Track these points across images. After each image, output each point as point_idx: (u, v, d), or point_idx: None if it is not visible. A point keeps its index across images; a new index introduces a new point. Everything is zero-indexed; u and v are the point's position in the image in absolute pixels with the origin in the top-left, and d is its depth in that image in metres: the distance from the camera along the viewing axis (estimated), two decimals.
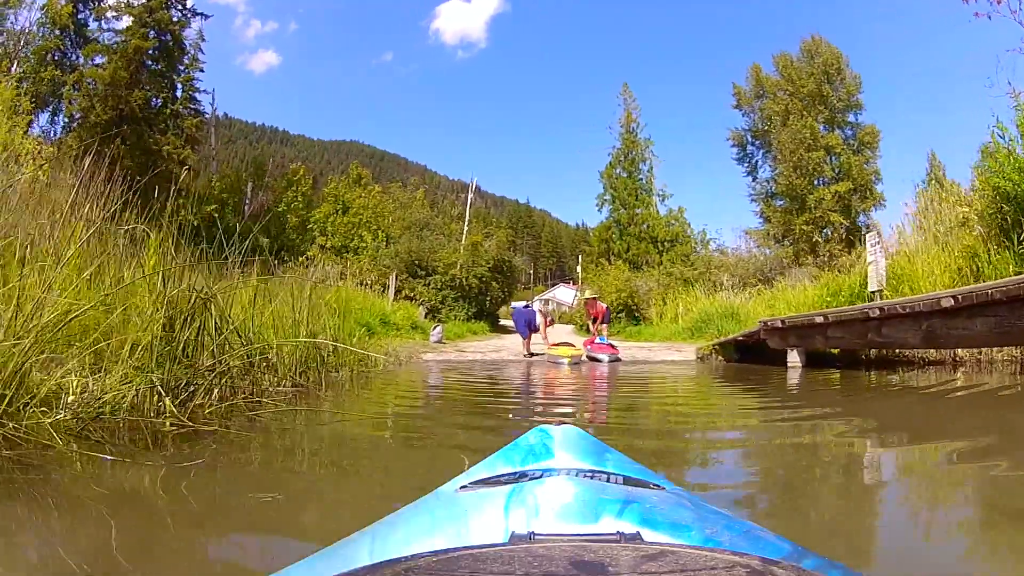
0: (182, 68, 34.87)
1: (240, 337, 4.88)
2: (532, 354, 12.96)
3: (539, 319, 13.68)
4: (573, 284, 44.90)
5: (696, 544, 0.71)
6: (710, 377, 9.69)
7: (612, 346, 12.87)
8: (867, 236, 11.59)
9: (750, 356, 11.66)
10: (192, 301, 4.27)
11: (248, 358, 4.91)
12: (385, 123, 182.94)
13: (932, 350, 9.36)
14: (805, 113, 35.45)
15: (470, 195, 28.15)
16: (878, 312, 7.68)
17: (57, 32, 28.90)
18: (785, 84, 36.38)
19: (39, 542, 1.96)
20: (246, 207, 26.11)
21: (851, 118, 37.02)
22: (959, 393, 6.54)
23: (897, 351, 10.00)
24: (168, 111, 33.16)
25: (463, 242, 25.41)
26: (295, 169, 31.98)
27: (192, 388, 4.03)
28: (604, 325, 14.96)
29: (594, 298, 15.64)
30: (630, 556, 0.59)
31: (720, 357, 12.35)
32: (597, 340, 13.38)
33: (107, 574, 1.69)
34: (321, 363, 6.90)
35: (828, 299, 12.75)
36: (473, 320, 23.46)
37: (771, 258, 26.27)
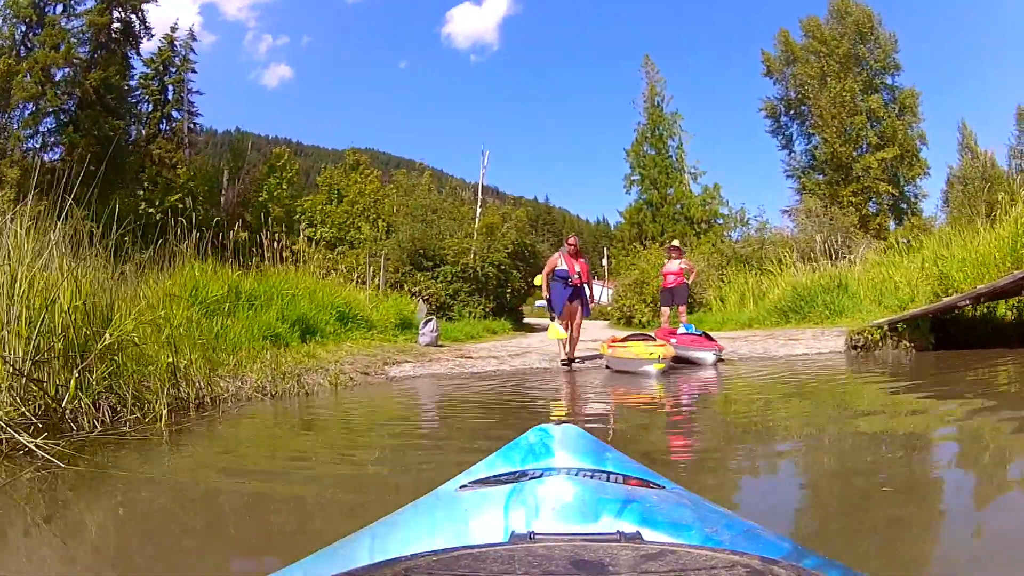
0: (172, 70, 31.23)
1: None
2: (571, 360, 7.74)
3: (556, 257, 7.89)
4: (598, 280, 39.65)
5: (696, 543, 0.66)
6: (969, 395, 4.40)
7: (709, 337, 7.49)
8: None
9: (956, 339, 7.47)
10: None
11: None
12: (401, 130, 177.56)
13: None
14: (842, 75, 30.17)
15: (482, 169, 22.63)
16: None
17: (22, 27, 24.24)
18: (818, 46, 31.06)
19: None
20: (222, 197, 20.95)
21: (888, 80, 32.35)
22: None
23: None
24: (159, 114, 29.84)
25: (476, 225, 19.89)
26: (278, 153, 26.52)
27: None
28: (683, 306, 9.53)
29: (680, 249, 10.14)
30: (630, 555, 0.55)
31: (907, 343, 7.43)
32: (682, 330, 7.94)
33: None
34: None
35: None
36: (492, 317, 18.11)
37: (833, 229, 20.73)
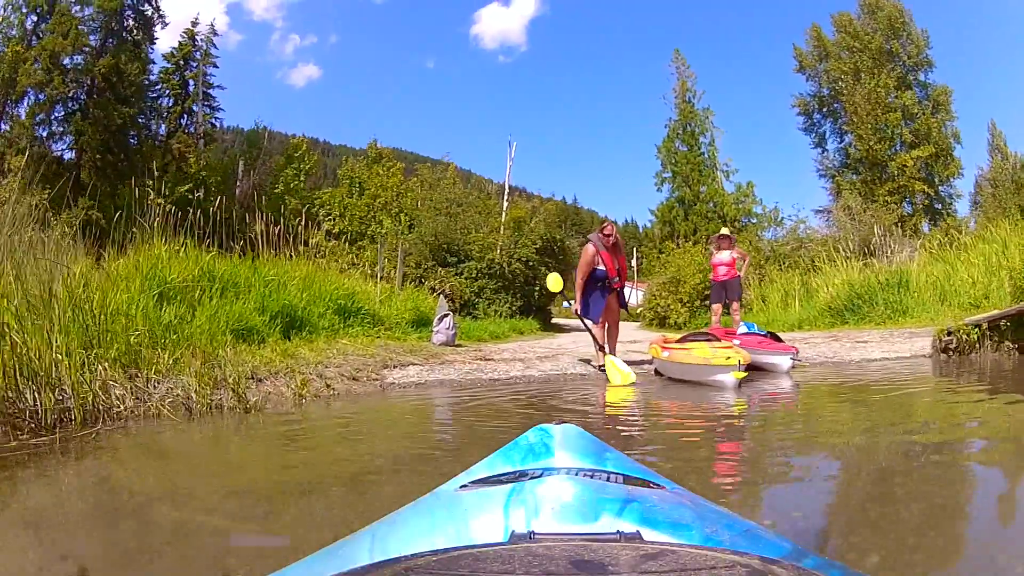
0: (193, 64, 31.10)
1: None
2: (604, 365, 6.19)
3: (592, 252, 6.34)
4: (628, 282, 38.95)
5: (696, 543, 0.64)
6: None
7: (776, 337, 6.51)
8: None
9: None
10: None
11: None
12: (429, 130, 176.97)
13: None
14: (876, 71, 29.13)
15: (509, 161, 21.78)
16: None
17: (33, 17, 23.83)
18: (850, 41, 30.03)
19: None
20: (237, 188, 20.18)
21: (921, 77, 31.47)
22: None
23: None
24: (180, 108, 29.77)
25: (503, 219, 19.02)
26: (296, 143, 25.72)
27: None
28: (736, 302, 8.59)
29: (730, 237, 9.22)
30: (630, 555, 0.55)
31: (1009, 343, 6.46)
32: (743, 329, 6.97)
33: None
34: None
35: None
36: (519, 316, 17.19)
37: (877, 225, 19.76)
